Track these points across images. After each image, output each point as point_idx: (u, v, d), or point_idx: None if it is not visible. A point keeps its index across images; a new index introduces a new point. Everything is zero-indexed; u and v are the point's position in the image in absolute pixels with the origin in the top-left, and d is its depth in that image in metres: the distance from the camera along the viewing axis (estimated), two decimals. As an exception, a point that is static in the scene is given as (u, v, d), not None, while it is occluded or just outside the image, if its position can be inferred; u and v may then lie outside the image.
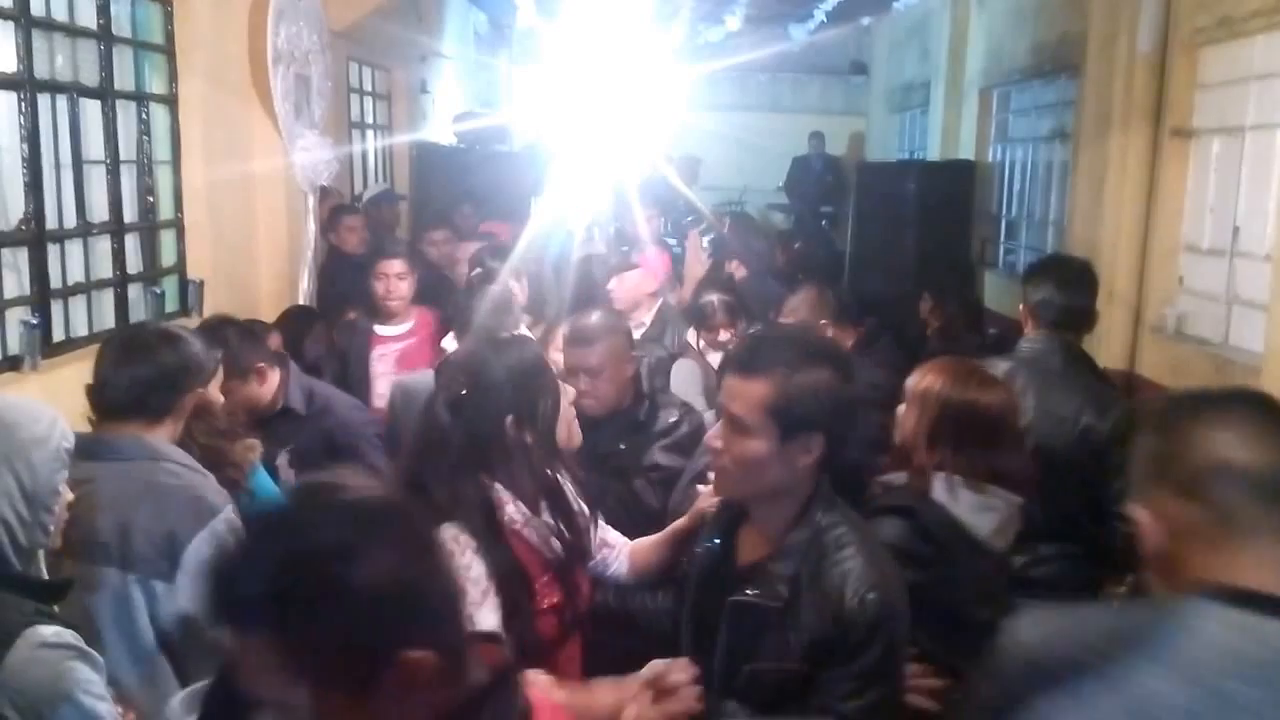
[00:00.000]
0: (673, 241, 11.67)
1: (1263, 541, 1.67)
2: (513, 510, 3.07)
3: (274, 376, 4.89)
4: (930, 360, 3.85)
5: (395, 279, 6.61)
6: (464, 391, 3.10)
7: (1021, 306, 4.97)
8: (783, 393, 2.71)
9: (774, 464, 2.76)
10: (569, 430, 3.50)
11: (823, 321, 6.00)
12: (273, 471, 4.59)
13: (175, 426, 3.48)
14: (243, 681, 1.57)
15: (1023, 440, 3.75)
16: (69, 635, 2.62)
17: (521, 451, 3.11)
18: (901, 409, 3.74)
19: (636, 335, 6.02)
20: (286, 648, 1.52)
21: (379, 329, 6.66)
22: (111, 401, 3.40)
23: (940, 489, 3.42)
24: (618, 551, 3.56)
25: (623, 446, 4.46)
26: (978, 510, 3.40)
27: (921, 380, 3.66)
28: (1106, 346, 7.42)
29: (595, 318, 4.71)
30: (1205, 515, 1.70)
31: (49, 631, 2.58)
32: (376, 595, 1.51)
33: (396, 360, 6.54)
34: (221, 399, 3.84)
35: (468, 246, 8.20)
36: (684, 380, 5.56)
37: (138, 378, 3.39)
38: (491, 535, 2.97)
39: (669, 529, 3.58)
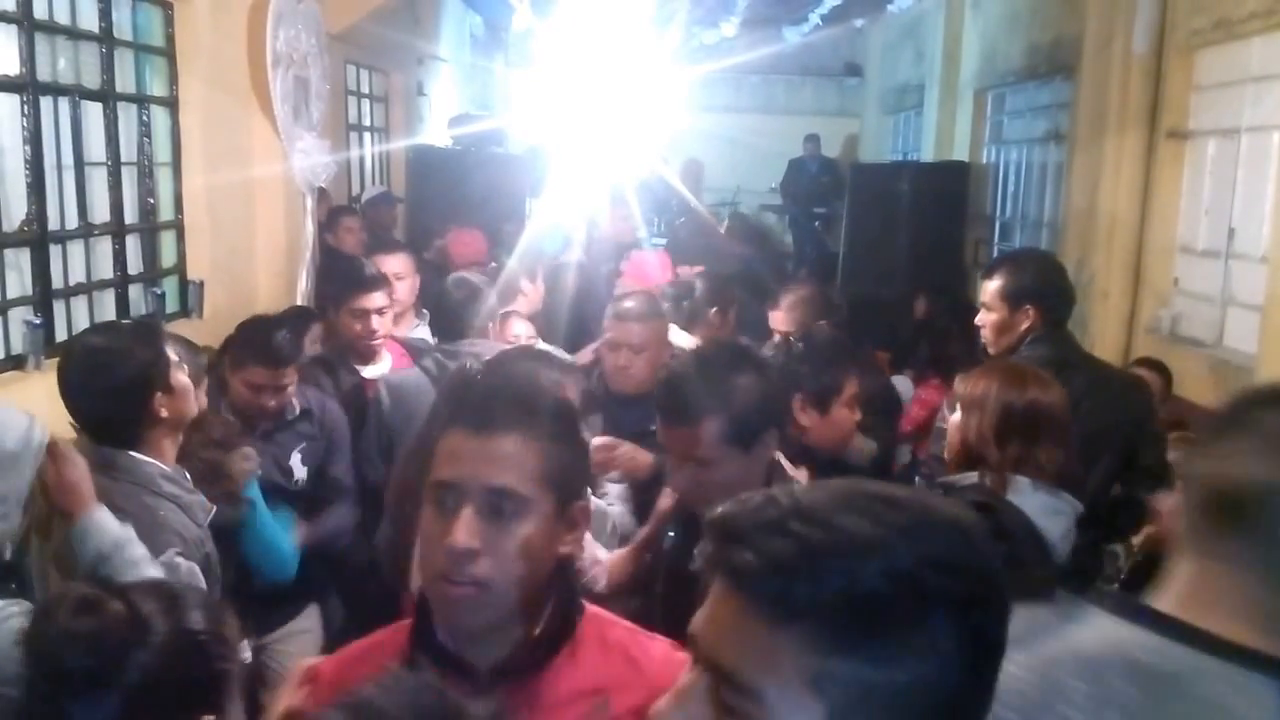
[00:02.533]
0: (664, 241, 11.67)
1: (1197, 560, 1.68)
2: None
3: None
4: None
5: (375, 315, 5.60)
6: None
7: (1030, 306, 4.67)
8: (731, 420, 2.91)
9: (740, 475, 2.91)
10: None
11: (820, 322, 5.99)
12: (288, 471, 4.68)
13: (162, 437, 3.42)
14: None
15: (1073, 441, 3.76)
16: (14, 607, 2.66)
17: None
18: (952, 414, 3.81)
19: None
20: None
21: (366, 371, 5.69)
22: (88, 428, 3.38)
23: (1014, 490, 3.45)
24: (605, 567, 3.58)
25: (653, 428, 4.52)
26: (1049, 514, 3.40)
27: (976, 385, 3.72)
28: (1101, 347, 7.45)
29: (644, 299, 4.99)
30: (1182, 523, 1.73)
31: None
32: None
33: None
34: (204, 403, 3.76)
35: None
36: None
37: (81, 409, 3.36)
38: None
39: (634, 542, 3.63)
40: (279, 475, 4.70)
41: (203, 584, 3.13)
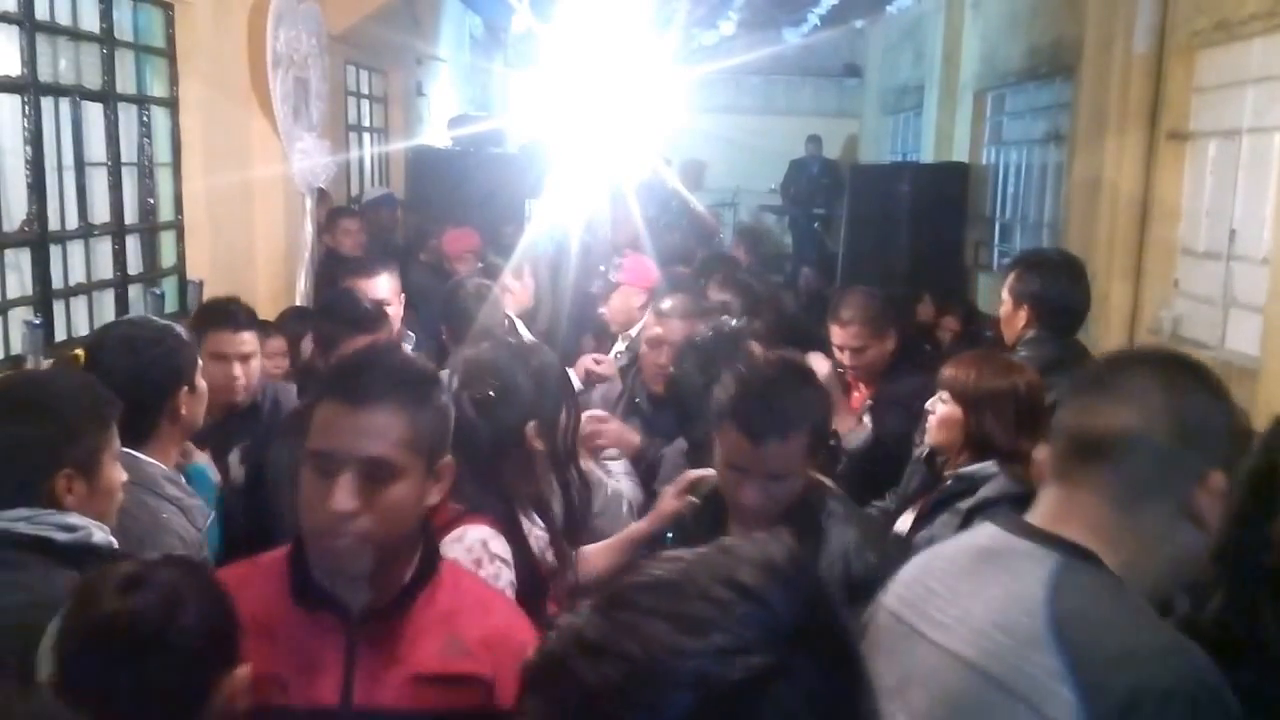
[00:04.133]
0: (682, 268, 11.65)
1: (1060, 488, 2.03)
2: (522, 517, 3.09)
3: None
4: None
5: None
6: (490, 392, 3.08)
7: (1012, 302, 4.76)
8: (812, 432, 3.02)
9: (799, 487, 3.03)
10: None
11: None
12: (224, 470, 4.46)
13: (171, 439, 3.42)
14: None
15: None
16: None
17: (534, 458, 3.14)
18: (942, 406, 3.88)
19: (621, 346, 6.09)
20: None
21: None
22: None
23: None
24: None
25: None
26: None
27: (976, 378, 3.81)
28: (1102, 349, 7.42)
29: (686, 298, 5.11)
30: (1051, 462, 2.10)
31: None
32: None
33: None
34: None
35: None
36: None
37: (123, 389, 3.30)
38: (517, 541, 2.97)
39: (625, 534, 3.62)
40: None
41: None
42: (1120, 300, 7.77)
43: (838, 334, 5.30)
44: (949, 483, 3.85)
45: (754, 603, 1.14)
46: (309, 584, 2.27)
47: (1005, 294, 4.81)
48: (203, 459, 4.02)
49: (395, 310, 5.37)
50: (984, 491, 3.64)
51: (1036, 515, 2.04)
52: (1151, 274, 7.71)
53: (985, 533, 2.12)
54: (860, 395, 5.32)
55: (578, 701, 1.12)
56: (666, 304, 5.05)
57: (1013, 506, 3.40)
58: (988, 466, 3.72)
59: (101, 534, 2.73)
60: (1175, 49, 7.45)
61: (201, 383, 3.50)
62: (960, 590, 2.04)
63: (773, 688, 1.11)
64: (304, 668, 2.22)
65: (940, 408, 3.89)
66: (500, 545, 2.86)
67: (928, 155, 13.82)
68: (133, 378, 3.29)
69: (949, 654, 2.00)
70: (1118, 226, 7.84)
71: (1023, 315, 4.72)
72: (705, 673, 1.09)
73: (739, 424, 2.97)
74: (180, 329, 3.58)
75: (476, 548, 2.81)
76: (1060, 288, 4.78)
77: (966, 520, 3.51)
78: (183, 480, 3.42)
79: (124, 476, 2.89)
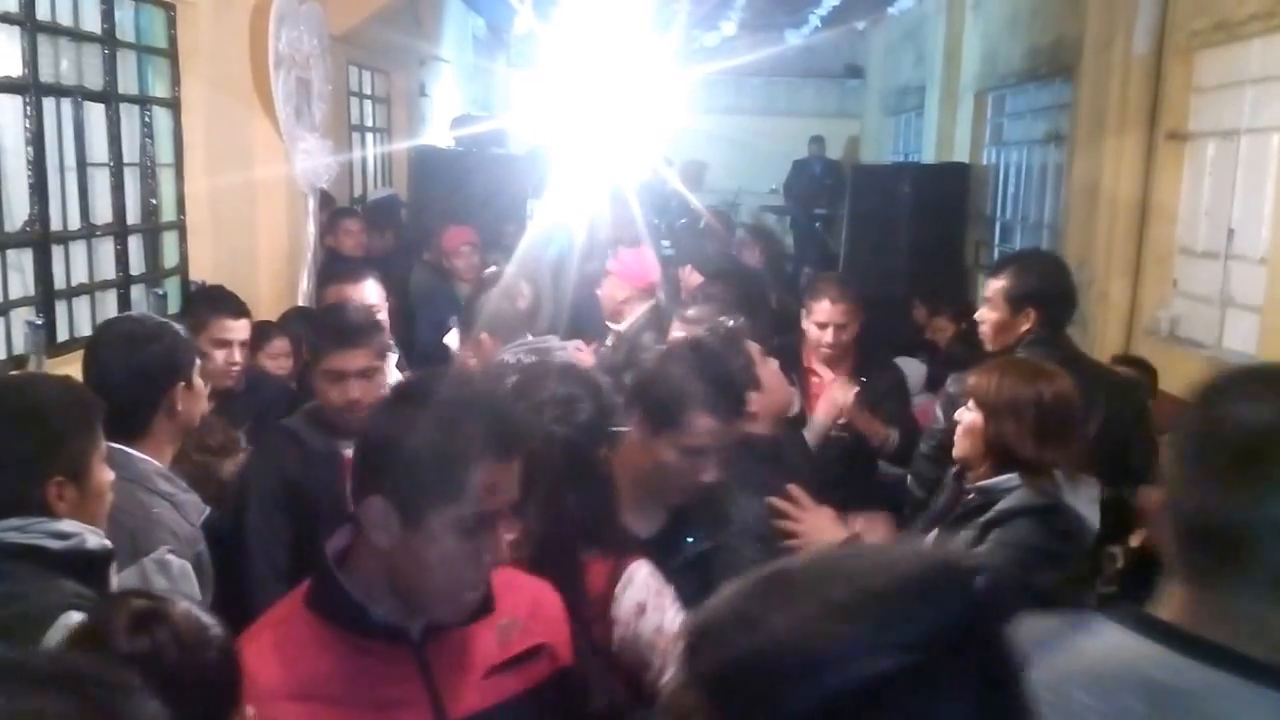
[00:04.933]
0: (666, 244, 11.67)
1: (1194, 585, 1.65)
2: None
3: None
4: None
5: (358, 380, 4.09)
6: (584, 416, 3.03)
7: (1031, 308, 4.73)
8: None
9: None
10: None
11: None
12: None
13: (166, 435, 3.41)
14: None
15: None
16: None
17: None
18: (967, 415, 3.76)
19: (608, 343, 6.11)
20: None
21: (348, 450, 3.87)
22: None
23: (1063, 487, 3.47)
24: None
25: None
26: (1091, 503, 3.46)
27: (998, 386, 3.67)
28: (1100, 348, 7.45)
29: (710, 306, 5.02)
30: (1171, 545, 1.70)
31: (79, 618, 2.61)
32: None
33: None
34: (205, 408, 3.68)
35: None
36: None
37: (104, 387, 3.27)
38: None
39: None
40: None
41: (194, 582, 3.14)
42: (1119, 299, 7.79)
43: (829, 311, 5.51)
44: (970, 496, 3.75)
45: (909, 601, 1.11)
46: (368, 618, 2.19)
47: (998, 299, 4.76)
48: None
49: (381, 317, 4.88)
50: (1003, 504, 3.53)
51: (1175, 612, 1.66)
52: (1150, 273, 7.72)
53: (1140, 653, 1.63)
54: (828, 378, 5.48)
55: (728, 669, 1.13)
56: (691, 311, 5.03)
57: (1032, 519, 3.42)
58: (1010, 479, 3.60)
59: (95, 539, 2.74)
60: (1174, 49, 7.46)
61: (199, 381, 3.51)
62: None
63: (917, 689, 1.08)
64: (387, 705, 2.18)
65: (966, 416, 3.77)
66: (657, 575, 2.86)
67: (929, 156, 13.83)
68: (130, 373, 3.33)
69: None
70: (1117, 226, 7.85)
71: (1026, 318, 4.71)
72: (849, 658, 1.08)
73: (719, 404, 3.07)
74: (179, 327, 3.59)
75: (653, 582, 2.82)
76: (1059, 282, 4.85)
77: (982, 535, 3.46)
78: (177, 477, 3.42)
79: (111, 476, 2.91)
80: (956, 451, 3.84)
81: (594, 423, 3.04)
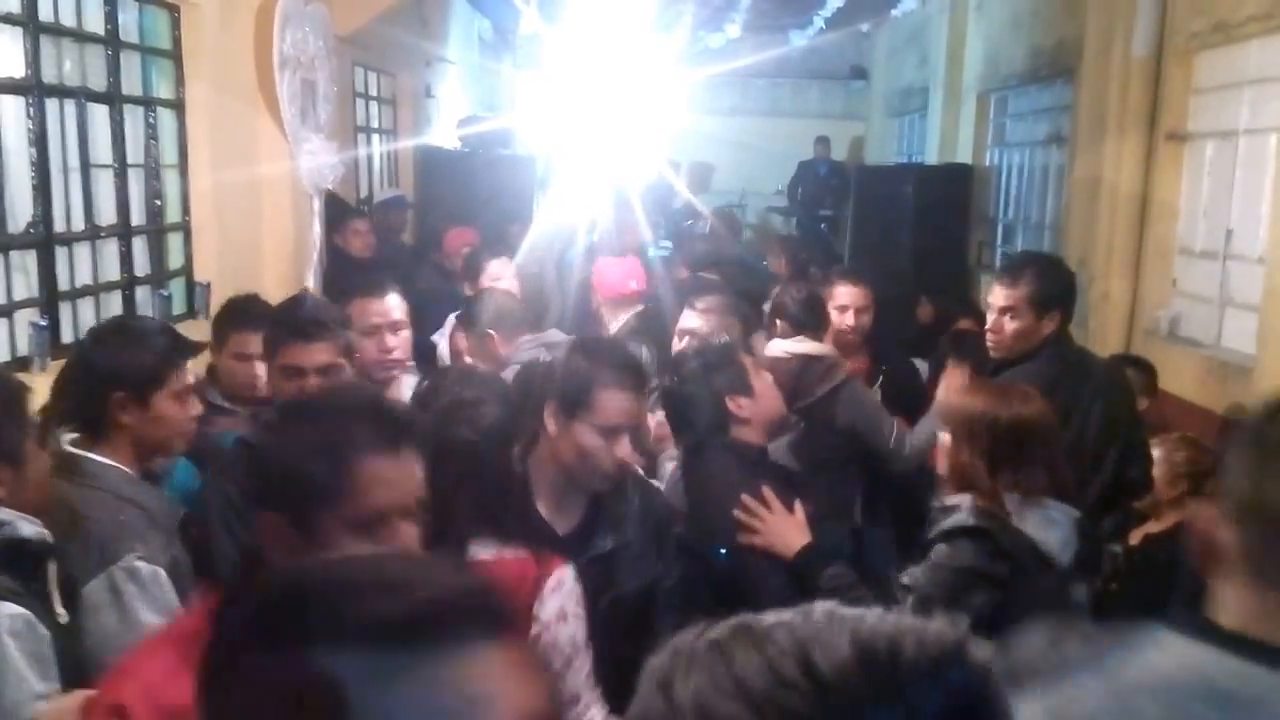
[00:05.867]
0: (668, 244, 11.70)
1: (1259, 585, 1.63)
2: None
3: None
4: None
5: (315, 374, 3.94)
6: (488, 419, 3.16)
7: (1058, 309, 4.79)
8: None
9: None
10: None
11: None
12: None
13: (124, 441, 3.29)
14: None
15: (1061, 448, 3.74)
16: (23, 618, 2.65)
17: None
18: (943, 435, 3.73)
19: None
20: None
21: None
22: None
23: (1010, 509, 3.47)
24: None
25: None
26: (1044, 526, 3.44)
27: (962, 408, 3.67)
28: (1101, 347, 7.46)
29: (720, 296, 5.26)
30: (1236, 546, 1.67)
31: (7, 609, 2.63)
32: None
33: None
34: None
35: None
36: None
37: (64, 384, 3.33)
38: None
39: None
40: None
41: (167, 587, 3.08)
42: (1119, 298, 7.82)
43: (849, 294, 5.76)
44: (934, 512, 3.70)
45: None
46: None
47: (1022, 306, 4.74)
48: None
49: (405, 334, 4.54)
50: (944, 523, 3.50)
51: (1236, 618, 1.64)
52: (1150, 273, 7.75)
53: (1206, 661, 1.60)
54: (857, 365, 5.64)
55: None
56: (702, 300, 5.18)
57: (965, 540, 3.40)
58: (963, 499, 3.56)
59: (31, 528, 2.74)
60: (1174, 51, 7.49)
61: (161, 400, 3.33)
62: None
63: None
64: None
65: (943, 436, 3.74)
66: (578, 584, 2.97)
67: (932, 157, 13.84)
68: (76, 375, 3.36)
69: None
70: (1117, 226, 7.88)
71: (1052, 321, 4.74)
72: None
73: (625, 382, 3.23)
74: (164, 337, 3.47)
75: (576, 591, 2.93)
76: (1073, 283, 4.96)
77: (925, 553, 3.44)
78: (140, 480, 3.34)
79: (48, 464, 2.93)
80: (943, 472, 3.78)
81: (499, 425, 3.13)
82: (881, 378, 5.67)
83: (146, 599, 3.00)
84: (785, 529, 3.63)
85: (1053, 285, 4.78)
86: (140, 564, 3.05)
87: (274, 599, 1.22)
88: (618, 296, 6.33)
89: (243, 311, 4.71)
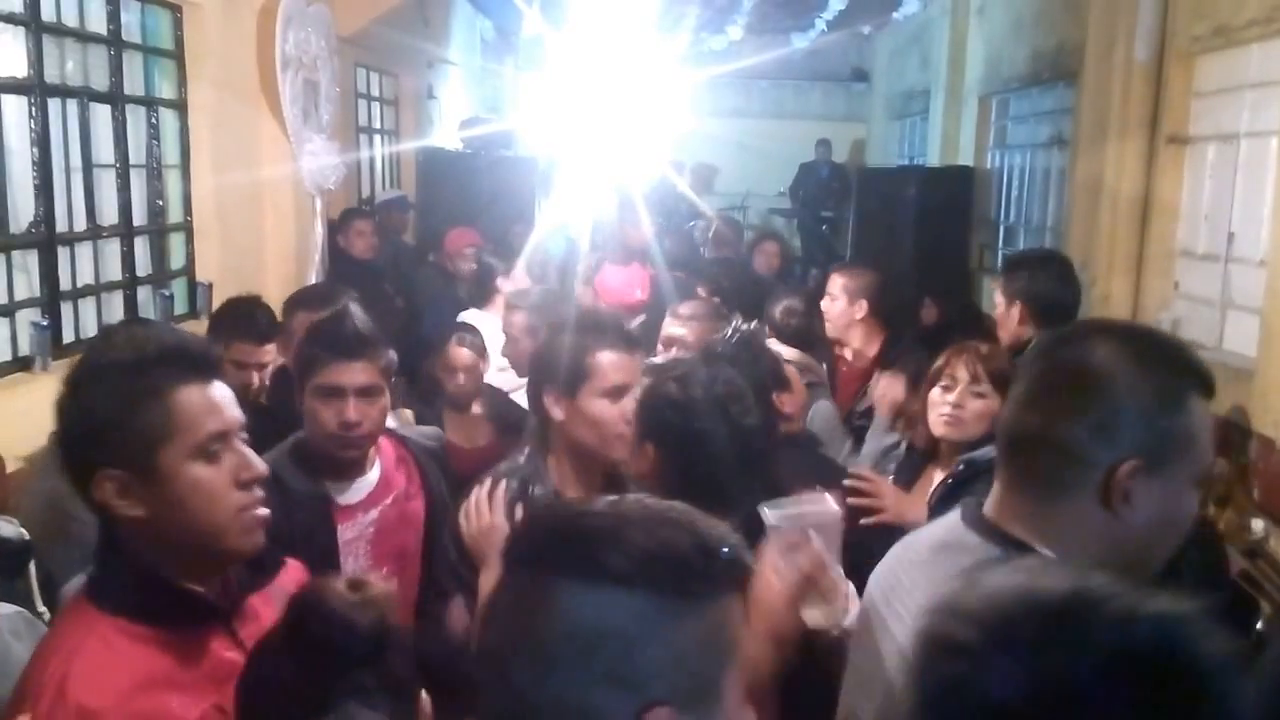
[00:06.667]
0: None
1: (1000, 481, 2.07)
2: None
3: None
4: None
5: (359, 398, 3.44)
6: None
7: (1017, 305, 5.01)
8: None
9: None
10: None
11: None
12: None
13: None
14: None
15: None
16: (21, 616, 2.68)
17: None
18: (980, 401, 3.91)
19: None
20: None
21: (340, 497, 3.50)
22: None
23: None
24: None
25: None
26: None
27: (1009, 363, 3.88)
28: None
29: (697, 303, 5.32)
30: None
31: (4, 608, 2.64)
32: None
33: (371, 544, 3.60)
34: None
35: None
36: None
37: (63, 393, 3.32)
38: None
39: None
40: None
41: None
42: (1121, 301, 7.81)
43: (837, 282, 6.08)
44: (960, 468, 3.82)
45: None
46: (187, 596, 2.14)
47: (998, 296, 5.01)
48: None
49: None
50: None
51: (989, 507, 2.07)
52: (1151, 275, 7.74)
53: (947, 523, 2.15)
54: (851, 356, 5.95)
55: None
56: (684, 307, 5.19)
57: None
58: (991, 449, 3.71)
59: (10, 527, 2.75)
60: (1175, 55, 7.48)
61: None
62: (918, 582, 2.06)
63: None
64: (224, 679, 2.11)
65: (979, 402, 3.92)
66: None
67: (933, 159, 13.84)
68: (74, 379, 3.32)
69: (900, 649, 2.01)
70: (1118, 229, 7.88)
71: (1015, 313, 4.93)
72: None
73: (616, 342, 3.21)
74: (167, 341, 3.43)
75: None
76: (1047, 282, 4.99)
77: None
78: None
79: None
80: (966, 433, 3.95)
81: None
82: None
83: None
84: (906, 502, 3.68)
85: (1014, 278, 5.05)
86: None
87: (565, 532, 1.45)
88: (621, 306, 6.36)
89: (248, 318, 4.70)
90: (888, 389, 5.21)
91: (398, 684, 2.10)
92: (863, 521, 3.59)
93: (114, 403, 2.02)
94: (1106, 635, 1.20)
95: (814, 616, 2.48)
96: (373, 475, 3.55)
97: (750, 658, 1.71)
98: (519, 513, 2.93)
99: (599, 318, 3.41)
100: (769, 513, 2.53)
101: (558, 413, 3.19)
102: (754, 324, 4.59)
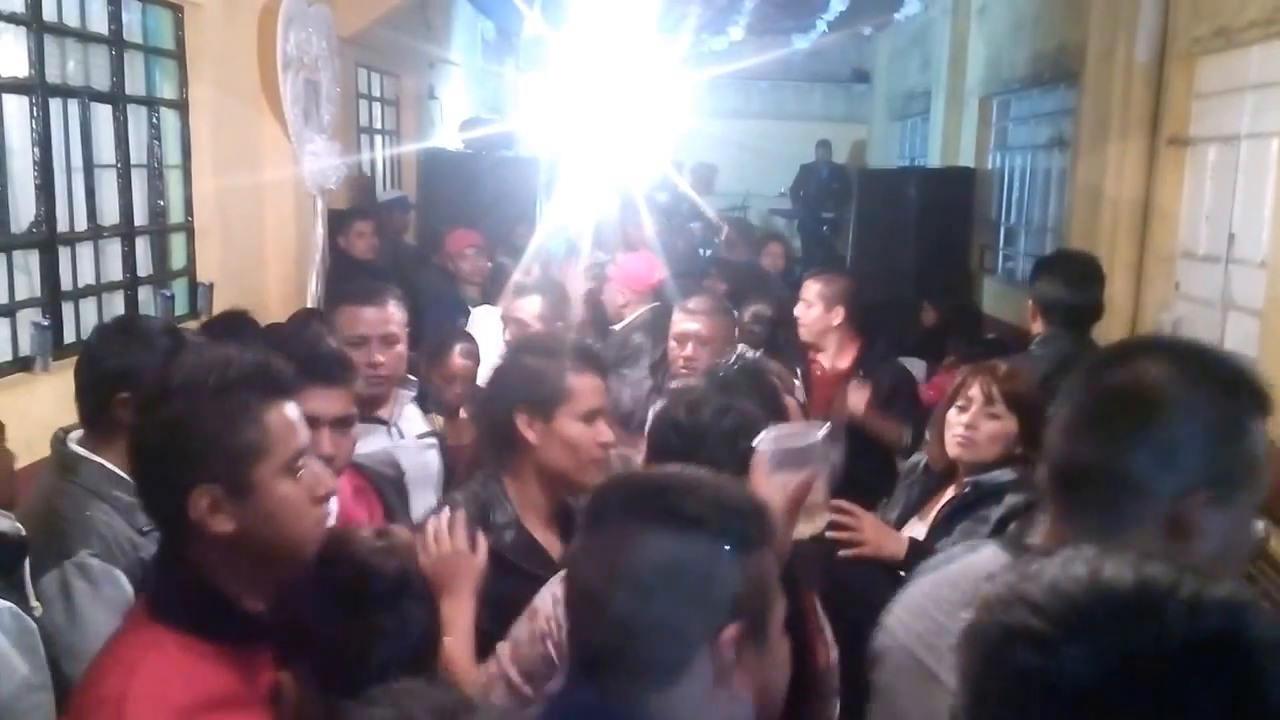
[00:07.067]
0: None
1: (1051, 511, 2.00)
2: None
3: None
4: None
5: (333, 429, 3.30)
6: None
7: (1030, 303, 5.22)
8: None
9: None
10: None
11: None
12: None
13: (124, 438, 3.16)
14: None
15: None
16: (8, 611, 2.67)
17: None
18: (993, 422, 3.86)
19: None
20: None
21: None
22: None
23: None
24: None
25: None
26: None
27: (1025, 384, 3.86)
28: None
29: (710, 297, 5.31)
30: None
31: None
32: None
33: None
34: None
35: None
36: None
37: (78, 381, 3.29)
38: None
39: None
40: None
41: (122, 585, 3.02)
42: (1122, 302, 7.81)
43: (809, 288, 5.89)
44: (966, 490, 3.84)
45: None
46: (244, 617, 2.15)
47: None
48: None
49: (399, 350, 4.24)
50: (1011, 500, 3.61)
51: (1041, 538, 1.99)
52: (1152, 277, 7.75)
53: (987, 555, 2.07)
54: (828, 364, 5.86)
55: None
56: (692, 302, 5.23)
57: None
58: (1004, 473, 3.72)
59: (6, 521, 2.76)
60: (1176, 56, 7.49)
61: None
62: None
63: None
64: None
65: (993, 424, 3.86)
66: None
67: (934, 160, 13.86)
68: (88, 372, 3.31)
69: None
70: (1119, 230, 7.89)
71: (1029, 309, 5.19)
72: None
73: (589, 365, 3.20)
74: (173, 338, 3.42)
75: (551, 599, 2.82)
76: (1051, 281, 5.13)
77: (1000, 527, 3.49)
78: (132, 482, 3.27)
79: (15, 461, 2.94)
80: (977, 455, 3.89)
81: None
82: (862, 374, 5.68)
83: (96, 596, 2.98)
84: (885, 534, 3.68)
85: (1034, 280, 5.28)
86: (93, 561, 3.04)
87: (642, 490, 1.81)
88: (645, 288, 6.40)
89: (237, 329, 4.67)
90: (853, 399, 5.25)
91: (418, 630, 2.23)
92: (841, 554, 3.56)
93: (212, 421, 2.06)
94: (1178, 622, 1.21)
95: (800, 530, 2.58)
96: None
97: None
98: (480, 541, 2.85)
99: (567, 342, 3.34)
100: (762, 440, 2.67)
101: (531, 435, 3.11)
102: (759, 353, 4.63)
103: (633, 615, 1.68)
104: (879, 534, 3.69)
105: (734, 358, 4.24)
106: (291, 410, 2.17)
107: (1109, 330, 7.71)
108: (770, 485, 2.53)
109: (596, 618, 1.73)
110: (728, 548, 1.70)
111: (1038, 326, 5.12)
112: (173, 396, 2.09)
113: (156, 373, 2.23)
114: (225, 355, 2.14)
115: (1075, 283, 5.12)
